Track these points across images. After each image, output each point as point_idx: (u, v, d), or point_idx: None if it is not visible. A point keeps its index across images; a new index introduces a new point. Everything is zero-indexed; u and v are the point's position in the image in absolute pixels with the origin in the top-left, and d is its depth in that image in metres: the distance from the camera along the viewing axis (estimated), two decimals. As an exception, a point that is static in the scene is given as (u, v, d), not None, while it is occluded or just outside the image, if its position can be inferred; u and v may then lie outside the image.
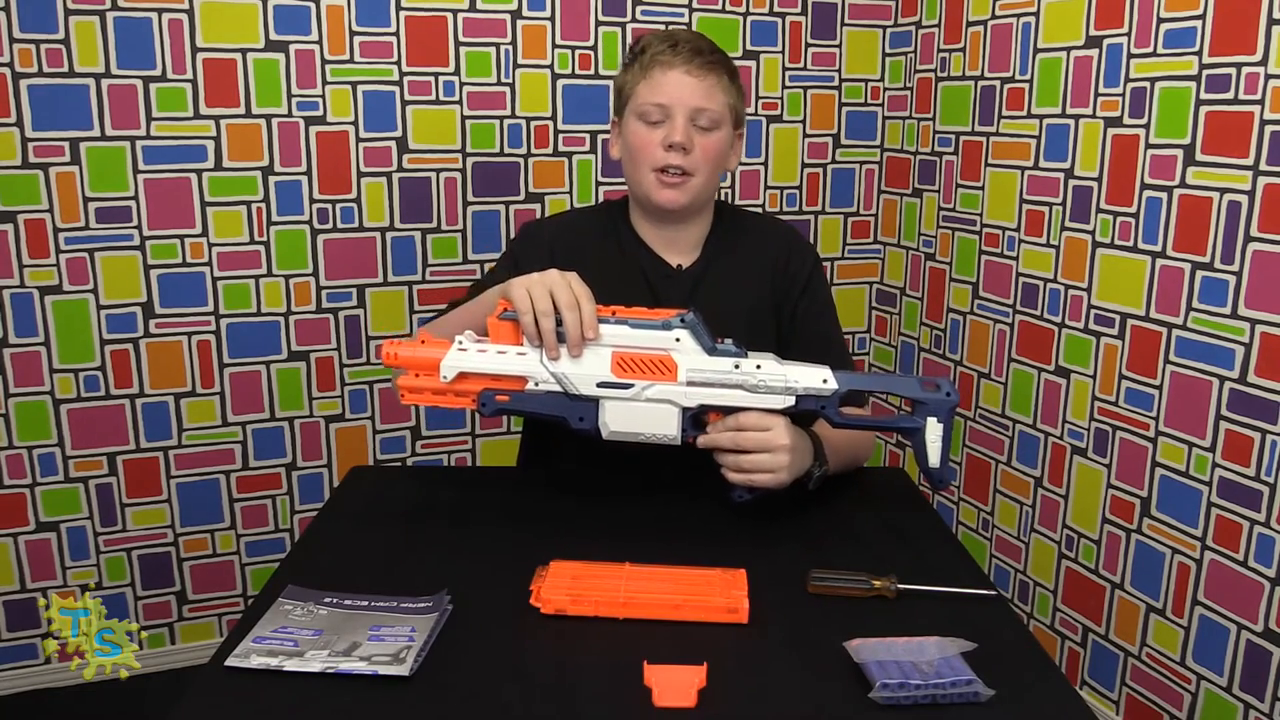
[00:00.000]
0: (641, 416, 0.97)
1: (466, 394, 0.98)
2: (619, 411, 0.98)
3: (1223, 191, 1.51)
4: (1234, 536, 1.54)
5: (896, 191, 2.32)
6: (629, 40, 2.03)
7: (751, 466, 1.00)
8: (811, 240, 2.33)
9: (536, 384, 0.97)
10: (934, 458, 0.99)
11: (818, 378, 0.98)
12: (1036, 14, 1.84)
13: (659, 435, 0.98)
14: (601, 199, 2.11)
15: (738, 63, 1.33)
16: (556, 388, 0.97)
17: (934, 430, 0.98)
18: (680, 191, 1.17)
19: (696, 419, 1.00)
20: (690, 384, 0.97)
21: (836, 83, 2.26)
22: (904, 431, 1.01)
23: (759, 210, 2.14)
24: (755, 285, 1.25)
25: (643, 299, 1.18)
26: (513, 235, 2.08)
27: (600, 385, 0.98)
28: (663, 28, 1.28)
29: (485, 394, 0.98)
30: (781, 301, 1.26)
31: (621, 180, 2.12)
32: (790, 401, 0.98)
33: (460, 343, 0.98)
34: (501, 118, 2.02)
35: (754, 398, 0.98)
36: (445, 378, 0.98)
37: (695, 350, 0.97)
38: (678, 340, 0.97)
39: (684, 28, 1.22)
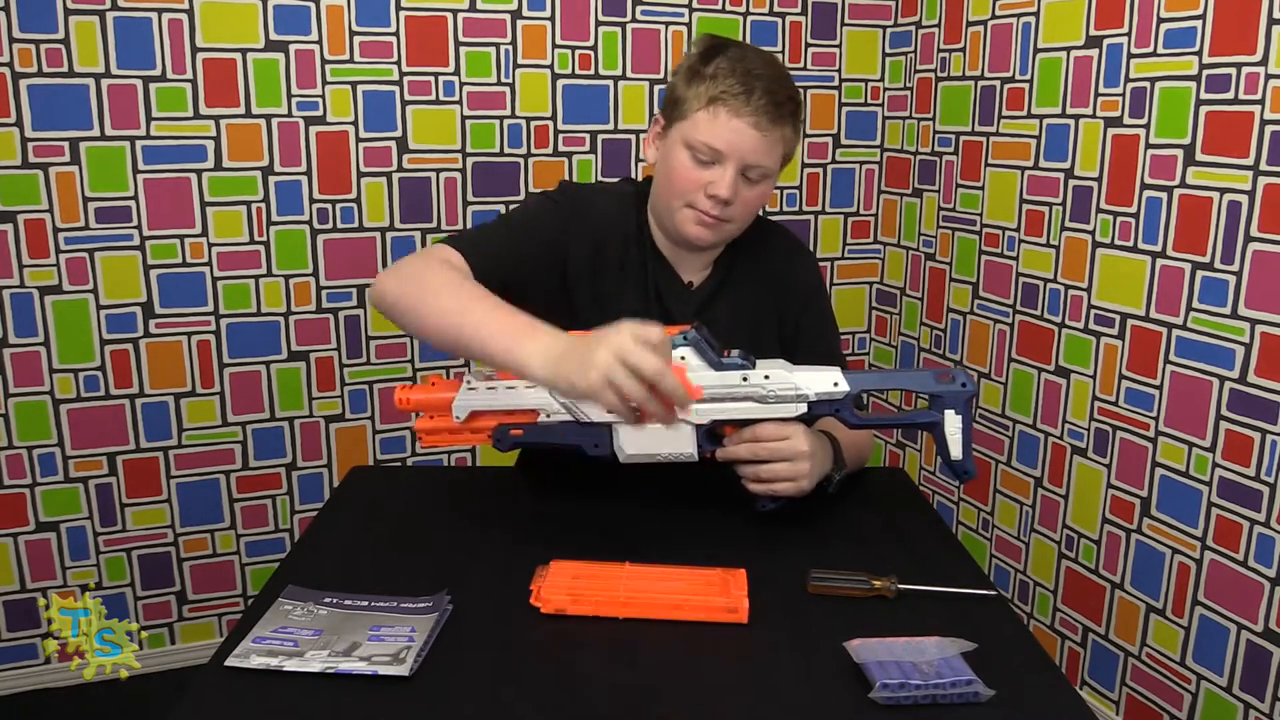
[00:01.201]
0: (655, 437, 0.97)
1: (481, 430, 0.99)
2: (632, 435, 0.97)
3: (1223, 191, 1.51)
4: (1234, 536, 1.54)
5: (896, 191, 2.32)
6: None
7: (771, 476, 1.00)
8: (812, 240, 2.33)
9: (548, 415, 0.98)
10: (955, 450, 0.98)
11: (829, 381, 0.98)
12: (1036, 14, 1.84)
13: (675, 454, 0.98)
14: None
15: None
16: (568, 417, 0.97)
17: (953, 423, 0.97)
18: (712, 231, 1.12)
19: (712, 433, 0.99)
20: (699, 400, 0.97)
21: (836, 83, 2.26)
22: (923, 427, 1.00)
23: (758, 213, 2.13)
24: (760, 298, 1.23)
25: (651, 313, 1.17)
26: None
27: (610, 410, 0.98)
28: (719, 41, 1.12)
29: (499, 429, 0.98)
30: (784, 312, 1.24)
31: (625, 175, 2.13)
32: (802, 409, 0.98)
33: (469, 382, 0.98)
34: (501, 118, 2.02)
35: (765, 408, 0.97)
36: (458, 418, 0.98)
37: (701, 366, 0.96)
38: (683, 358, 0.96)
39: (761, 56, 1.11)
